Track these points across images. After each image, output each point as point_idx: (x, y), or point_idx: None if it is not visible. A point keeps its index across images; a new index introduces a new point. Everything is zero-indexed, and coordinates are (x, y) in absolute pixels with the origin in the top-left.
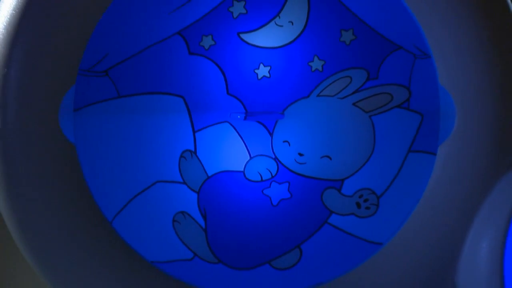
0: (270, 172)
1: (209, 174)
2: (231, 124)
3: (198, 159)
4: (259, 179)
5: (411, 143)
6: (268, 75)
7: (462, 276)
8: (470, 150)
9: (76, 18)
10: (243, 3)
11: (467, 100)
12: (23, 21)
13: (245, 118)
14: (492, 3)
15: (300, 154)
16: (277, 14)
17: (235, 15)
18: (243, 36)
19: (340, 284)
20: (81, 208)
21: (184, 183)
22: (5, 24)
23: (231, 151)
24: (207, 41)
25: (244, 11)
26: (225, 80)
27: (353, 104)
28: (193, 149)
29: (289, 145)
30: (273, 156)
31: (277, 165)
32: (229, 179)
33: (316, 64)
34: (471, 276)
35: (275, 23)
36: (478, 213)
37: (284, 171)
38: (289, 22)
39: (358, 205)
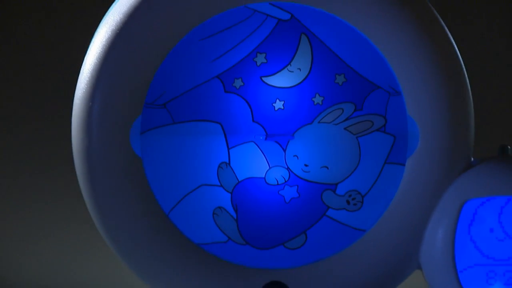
0: (284, 178)
1: (239, 179)
2: (255, 143)
3: (231, 168)
4: (276, 183)
5: (387, 157)
6: (282, 107)
7: (424, 256)
8: (430, 162)
9: (142, 66)
10: (264, 55)
11: (428, 126)
12: (103, 68)
13: (265, 139)
14: (445, 57)
15: (306, 165)
16: (289, 63)
17: (258, 63)
18: (264, 79)
19: (335, 260)
20: (145, 204)
21: (221, 186)
22: (90, 70)
23: (255, 162)
24: (238, 83)
25: (265, 60)
26: (251, 111)
27: (344, 128)
28: (227, 161)
29: (298, 158)
30: (286, 167)
31: (289, 173)
32: (254, 183)
33: (317, 99)
34: (430, 255)
35: (287, 69)
36: (436, 208)
37: (293, 177)
38: (298, 68)
39: (348, 202)
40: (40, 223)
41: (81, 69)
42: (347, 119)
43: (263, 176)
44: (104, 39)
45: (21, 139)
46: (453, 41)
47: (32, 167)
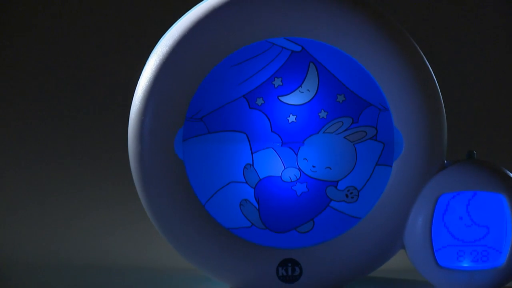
0: (296, 176)
1: (261, 177)
2: (273, 149)
3: (254, 169)
4: (289, 180)
5: (377, 160)
6: (295, 120)
7: (407, 238)
8: (412, 164)
9: (183, 88)
10: (280, 79)
11: (410, 136)
12: (152, 89)
13: (281, 146)
14: (424, 81)
15: (313, 166)
16: (300, 85)
17: (276, 85)
18: (280, 98)
19: (337, 241)
20: (186, 197)
21: (246, 182)
22: (142, 91)
23: (273, 164)
24: (260, 101)
25: (281, 83)
26: (270, 123)
27: (344, 137)
28: (251, 163)
29: (307, 161)
30: (297, 167)
31: (300, 172)
32: (272, 180)
33: (322, 114)
34: (412, 238)
35: (299, 90)
36: (416, 200)
37: (304, 176)
38: (307, 89)
39: (347, 195)
40: (105, 213)
41: (136, 90)
42: (346, 130)
43: (280, 175)
44: (154, 67)
45: (91, 149)
46: (430, 68)
47: (97, 168)
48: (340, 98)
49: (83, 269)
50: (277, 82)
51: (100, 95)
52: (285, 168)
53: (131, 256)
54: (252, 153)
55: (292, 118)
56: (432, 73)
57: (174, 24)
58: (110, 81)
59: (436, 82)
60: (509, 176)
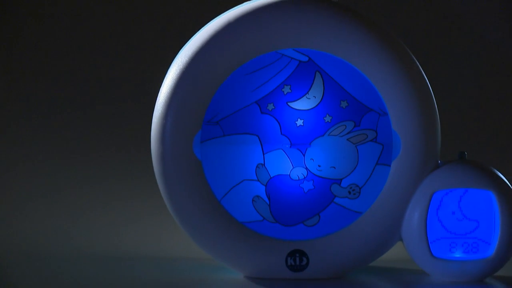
0: (303, 175)
1: (271, 176)
2: (283, 150)
3: (266, 168)
4: (297, 178)
5: (377, 160)
6: (302, 124)
7: (404, 231)
8: (408, 164)
9: (201, 95)
10: (289, 86)
11: (407, 138)
12: (173, 96)
13: (290, 147)
14: (420, 89)
15: (319, 166)
16: (307, 92)
17: (285, 92)
18: (289, 103)
19: (340, 234)
20: (203, 194)
21: (258, 180)
22: (164, 97)
23: (283, 164)
24: (270, 106)
25: (290, 90)
26: (280, 127)
27: (347, 139)
28: (263, 163)
29: (313, 161)
30: (305, 167)
31: (307, 171)
32: (282, 178)
33: (327, 118)
34: (409, 230)
35: (306, 97)
36: (413, 197)
37: (310, 174)
38: (313, 96)
39: (349, 192)
40: (128, 205)
41: (158, 96)
42: (349, 132)
43: (288, 173)
44: (174, 75)
45: (118, 150)
46: (425, 76)
47: (123, 168)
48: (343, 104)
49: (107, 259)
50: (286, 89)
51: (127, 101)
52: (293, 167)
53: (153, 246)
54: (263, 154)
55: (300, 122)
56: (427, 81)
57: (193, 37)
58: (136, 89)
59: (431, 90)
60: (497, 175)
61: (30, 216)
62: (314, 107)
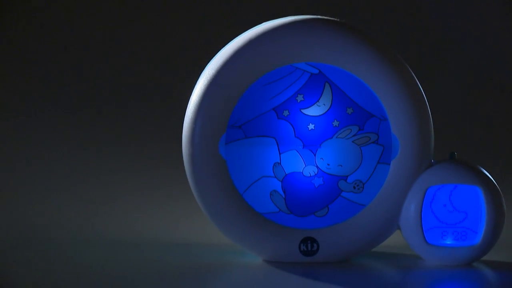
0: (314, 172)
1: (286, 173)
2: (296, 151)
3: (282, 166)
4: (309, 175)
5: (379, 159)
6: (313, 128)
7: (402, 221)
8: (406, 163)
9: (226, 102)
10: (302, 95)
11: (404, 140)
12: (201, 103)
13: (303, 148)
14: (415, 98)
15: (328, 164)
16: (318, 100)
17: (298, 100)
18: (302, 110)
19: (346, 223)
20: (228, 188)
21: (275, 177)
22: (194, 104)
23: (296, 162)
24: (286, 113)
25: (302, 99)
26: (294, 130)
27: (352, 141)
28: (279, 161)
29: (323, 160)
30: (315, 165)
31: (317, 169)
32: (295, 175)
33: (335, 123)
34: (406, 220)
35: (317, 104)
36: (409, 191)
37: (320, 172)
38: (323, 104)
39: (354, 187)
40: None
41: (188, 103)
42: (354, 135)
43: (301, 171)
44: (203, 85)
45: (152, 151)
46: (420, 87)
47: (157, 167)
48: (349, 111)
49: (139, 244)
50: (300, 98)
51: (162, 108)
52: (305, 165)
53: (183, 233)
54: (279, 154)
55: (311, 126)
56: (422, 91)
57: (219, 52)
58: (170, 97)
59: (425, 98)
60: (483, 172)
61: (57, 203)
62: (324, 113)
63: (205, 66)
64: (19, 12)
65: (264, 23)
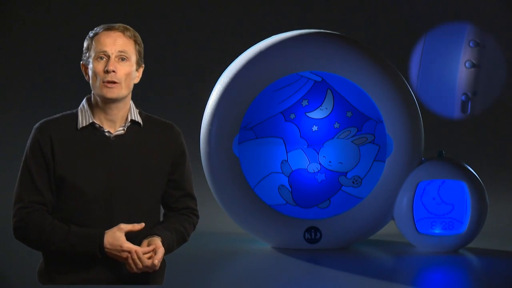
0: (317, 169)
1: (293, 169)
2: (302, 150)
3: (288, 163)
4: (313, 171)
5: (375, 157)
6: (317, 129)
7: (396, 212)
8: (399, 160)
9: (239, 107)
10: (307, 100)
11: (398, 140)
12: (217, 107)
13: (307, 147)
14: (407, 102)
15: (330, 161)
16: (321, 105)
17: (303, 105)
18: (307, 113)
19: (346, 214)
20: (240, 183)
21: (283, 173)
22: (211, 108)
23: (302, 160)
24: (292, 116)
25: (307, 103)
26: (299, 131)
27: (351, 141)
28: (286, 159)
29: (325, 157)
30: (319, 162)
31: (320, 166)
32: (301, 171)
33: (336, 125)
34: (399, 212)
35: (320, 108)
36: (402, 186)
37: (323, 168)
38: (326, 108)
39: (353, 182)
40: None
41: (206, 107)
42: (353, 136)
43: (306, 167)
44: (219, 91)
45: None
46: (412, 93)
47: None
48: (349, 114)
49: None
50: (305, 102)
51: (182, 111)
52: (310, 163)
53: (200, 222)
54: (287, 152)
55: (315, 128)
56: (414, 97)
57: (233, 62)
58: (189, 102)
59: (417, 103)
60: (468, 169)
61: None
62: (326, 116)
63: (220, 75)
64: (19, 12)
65: (273, 36)
